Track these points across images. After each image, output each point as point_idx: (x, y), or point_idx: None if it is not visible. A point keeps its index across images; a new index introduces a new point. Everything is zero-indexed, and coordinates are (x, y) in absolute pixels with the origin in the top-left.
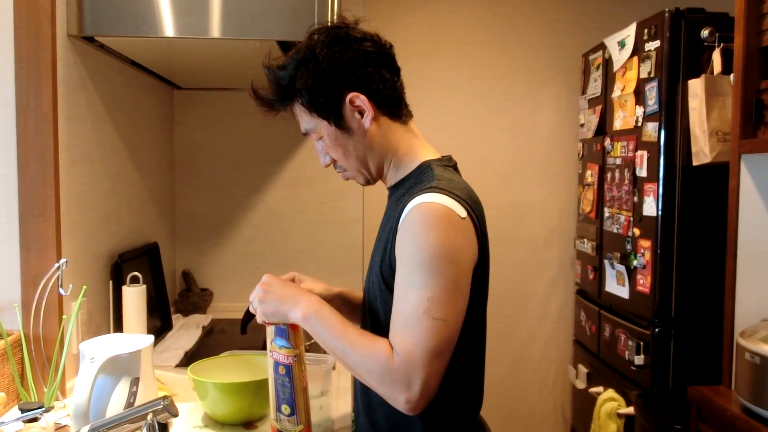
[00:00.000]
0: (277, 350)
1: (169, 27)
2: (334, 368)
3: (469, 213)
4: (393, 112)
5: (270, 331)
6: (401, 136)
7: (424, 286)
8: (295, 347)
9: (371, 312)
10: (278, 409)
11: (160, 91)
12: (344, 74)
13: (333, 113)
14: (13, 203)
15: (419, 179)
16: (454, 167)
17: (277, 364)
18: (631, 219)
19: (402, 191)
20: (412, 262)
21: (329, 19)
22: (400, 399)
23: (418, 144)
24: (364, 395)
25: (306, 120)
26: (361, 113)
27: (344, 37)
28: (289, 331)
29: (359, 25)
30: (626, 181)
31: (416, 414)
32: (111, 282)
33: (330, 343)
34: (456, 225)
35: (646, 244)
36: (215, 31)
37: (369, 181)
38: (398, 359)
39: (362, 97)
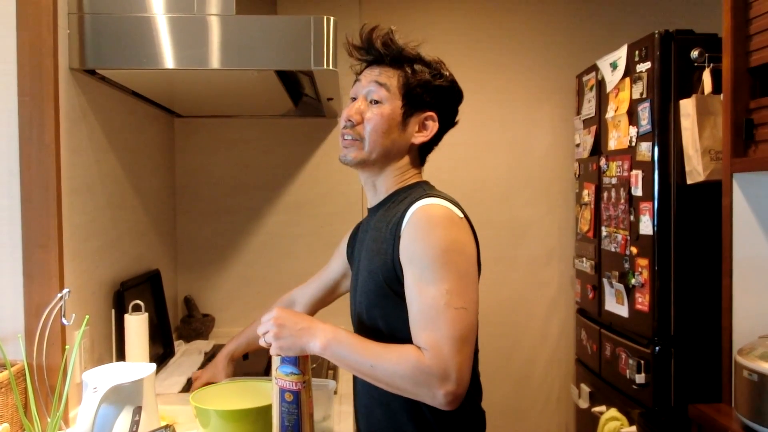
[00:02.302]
0: (283, 378)
1: (169, 59)
2: (335, 393)
3: (463, 215)
4: (425, 152)
5: (276, 358)
6: (414, 167)
7: (440, 280)
8: (304, 373)
9: (371, 325)
10: None
11: (160, 120)
12: (445, 103)
13: (410, 107)
14: (16, 234)
15: (409, 193)
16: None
17: (283, 391)
18: (628, 238)
19: (394, 203)
20: (422, 261)
21: (325, 50)
22: (439, 393)
23: (418, 175)
24: (367, 396)
25: (393, 85)
26: (420, 131)
27: (458, 91)
28: (299, 358)
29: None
30: (622, 201)
31: (455, 408)
32: (113, 310)
33: (355, 363)
34: (457, 222)
35: (643, 262)
36: (215, 62)
37: (365, 161)
38: (429, 354)
39: (435, 125)
